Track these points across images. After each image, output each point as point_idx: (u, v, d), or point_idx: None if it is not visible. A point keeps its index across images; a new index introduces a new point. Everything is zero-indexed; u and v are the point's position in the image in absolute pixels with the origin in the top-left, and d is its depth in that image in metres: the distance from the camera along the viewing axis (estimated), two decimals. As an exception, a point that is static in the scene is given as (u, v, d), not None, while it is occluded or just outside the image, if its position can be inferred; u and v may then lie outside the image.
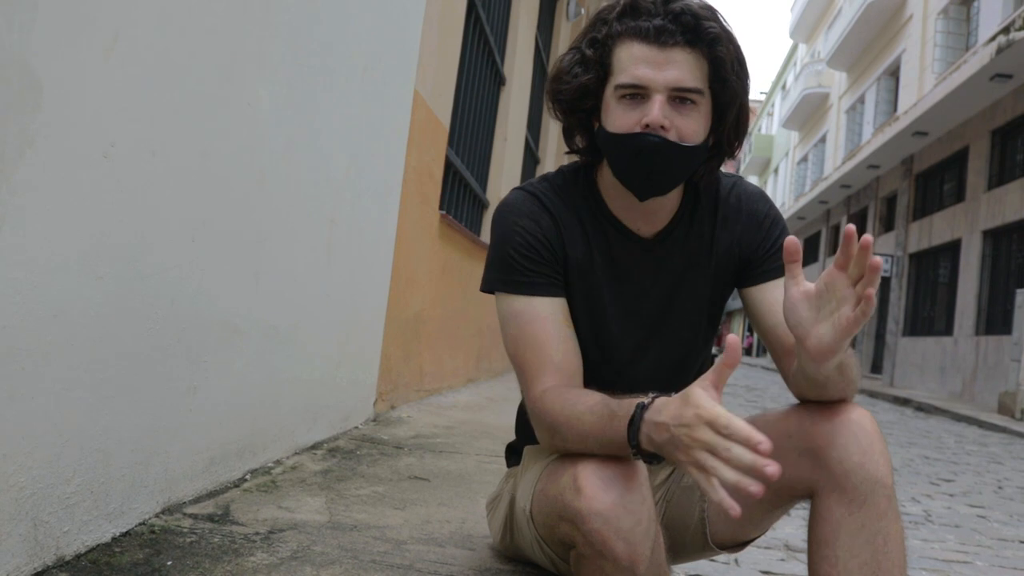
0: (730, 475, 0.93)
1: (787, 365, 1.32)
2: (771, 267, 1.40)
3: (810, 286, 1.08)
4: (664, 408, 1.03)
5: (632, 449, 1.09)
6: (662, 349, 1.43)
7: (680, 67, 1.22)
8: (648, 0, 1.24)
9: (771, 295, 1.38)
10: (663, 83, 1.22)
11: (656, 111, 1.22)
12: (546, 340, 1.30)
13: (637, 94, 1.24)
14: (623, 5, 1.26)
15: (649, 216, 1.38)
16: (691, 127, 1.25)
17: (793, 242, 1.07)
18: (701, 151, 1.29)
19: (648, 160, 1.25)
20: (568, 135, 1.39)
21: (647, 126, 1.22)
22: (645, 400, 1.08)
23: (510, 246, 1.34)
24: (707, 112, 1.28)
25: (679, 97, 1.23)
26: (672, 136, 1.23)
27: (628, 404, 1.10)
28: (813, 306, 1.08)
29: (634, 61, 1.23)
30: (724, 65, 1.25)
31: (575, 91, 1.31)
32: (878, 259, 0.99)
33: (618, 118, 1.26)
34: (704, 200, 1.42)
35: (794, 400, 1.30)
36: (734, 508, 0.93)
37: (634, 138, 1.24)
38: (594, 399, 1.18)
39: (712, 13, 1.25)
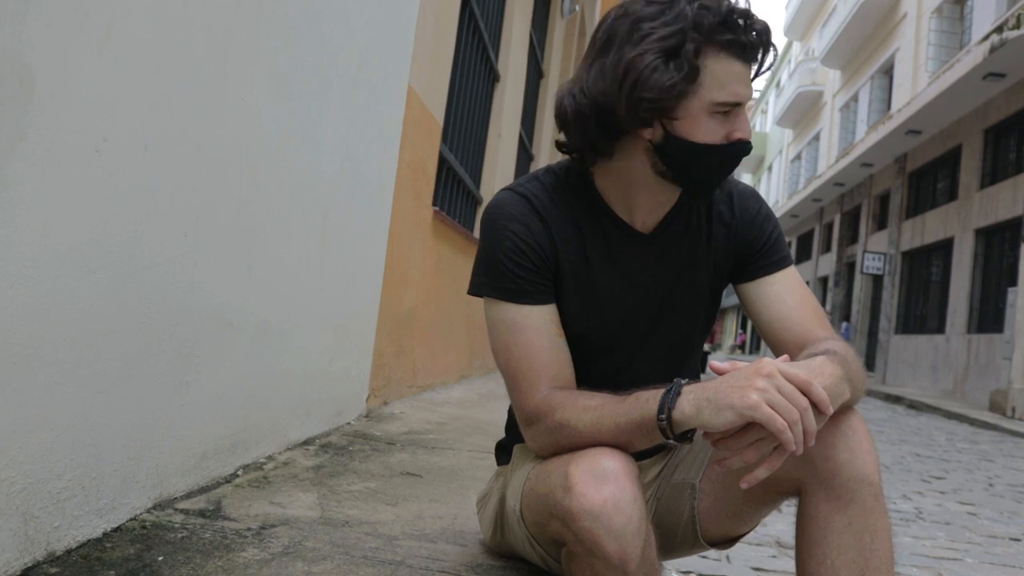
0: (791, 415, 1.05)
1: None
2: (767, 262, 1.42)
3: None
4: (701, 383, 1.14)
5: (661, 420, 1.12)
6: (661, 345, 1.44)
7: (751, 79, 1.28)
8: (735, 13, 1.23)
9: (767, 289, 1.41)
10: (749, 97, 1.28)
11: (748, 125, 1.28)
12: (541, 350, 1.31)
13: (730, 109, 1.26)
14: (721, 14, 1.22)
15: (650, 211, 1.38)
16: None
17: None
18: None
19: (732, 166, 1.31)
20: (591, 136, 1.30)
21: (739, 139, 1.27)
22: (681, 380, 1.16)
23: (500, 252, 1.33)
24: None
25: None
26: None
27: (654, 389, 1.17)
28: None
29: (735, 79, 1.24)
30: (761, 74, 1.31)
31: (669, 102, 1.23)
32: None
33: (709, 131, 1.25)
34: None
35: None
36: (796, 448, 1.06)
37: (733, 147, 1.27)
38: (602, 393, 1.24)
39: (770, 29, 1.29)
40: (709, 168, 1.30)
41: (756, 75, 1.28)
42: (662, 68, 1.20)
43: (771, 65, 1.29)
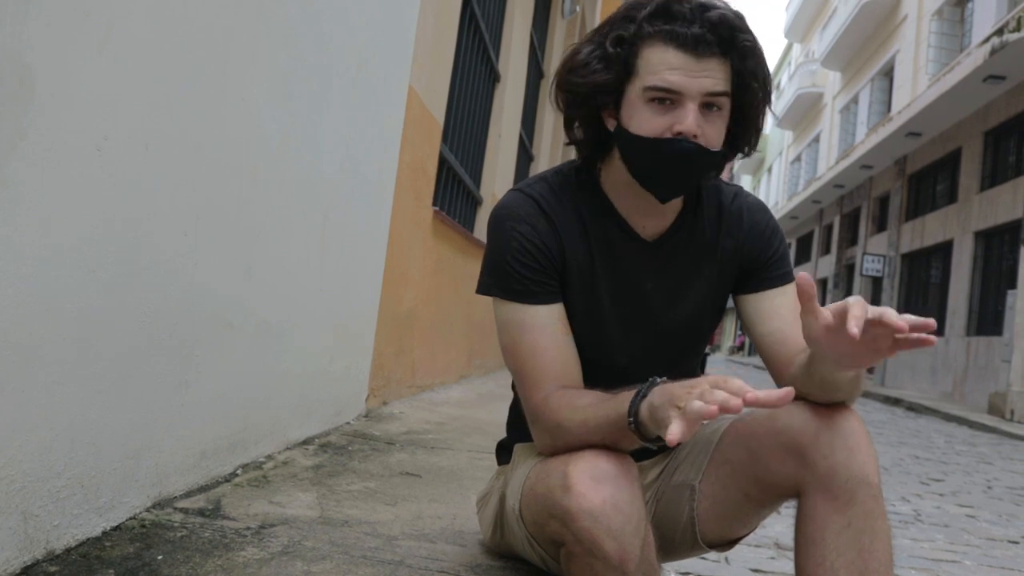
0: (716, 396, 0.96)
1: (779, 372, 1.34)
2: (770, 275, 1.42)
3: (828, 318, 1.05)
4: (664, 385, 1.09)
5: (630, 420, 1.10)
6: (663, 351, 1.44)
7: (713, 75, 1.22)
8: (684, 4, 1.22)
9: (768, 303, 1.40)
10: (697, 90, 1.22)
11: (691, 119, 1.22)
12: (545, 349, 1.31)
13: (667, 99, 1.23)
14: (656, 6, 1.23)
15: (655, 216, 1.39)
16: (716, 133, 1.26)
17: (806, 280, 1.05)
18: (723, 155, 1.31)
19: (679, 165, 1.25)
20: (568, 126, 1.38)
21: (679, 133, 1.22)
22: (658, 379, 1.12)
23: (508, 253, 1.33)
24: (727, 116, 1.28)
25: (708, 103, 1.24)
26: (702, 142, 1.24)
27: (633, 389, 1.14)
28: (834, 336, 1.06)
29: (667, 66, 1.22)
30: (749, 76, 1.26)
31: (591, 87, 1.28)
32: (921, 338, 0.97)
33: (646, 121, 1.24)
34: (707, 205, 1.43)
35: None
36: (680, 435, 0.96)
37: (668, 143, 1.23)
38: (597, 392, 1.23)
39: (745, 23, 1.25)
40: (652, 163, 1.27)
41: (740, 73, 1.25)
42: (597, 60, 1.26)
43: (749, 62, 1.25)
